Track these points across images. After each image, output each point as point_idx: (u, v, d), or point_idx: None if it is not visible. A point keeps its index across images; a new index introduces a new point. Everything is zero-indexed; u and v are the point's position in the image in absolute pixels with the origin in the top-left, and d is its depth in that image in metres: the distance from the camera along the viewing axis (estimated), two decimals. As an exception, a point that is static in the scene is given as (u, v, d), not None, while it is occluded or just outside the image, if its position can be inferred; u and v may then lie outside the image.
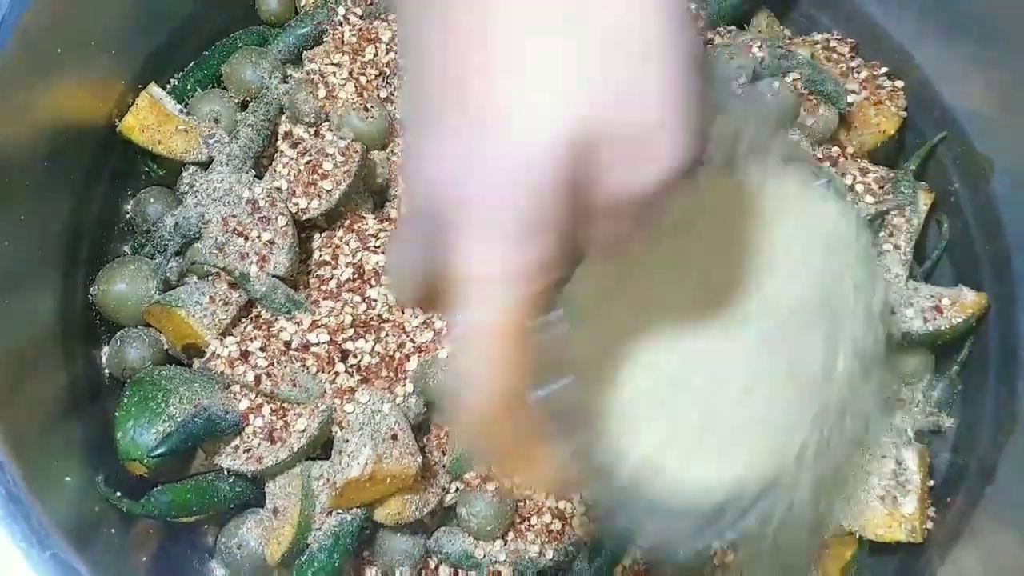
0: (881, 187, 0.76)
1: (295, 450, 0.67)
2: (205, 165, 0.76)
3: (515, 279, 0.33)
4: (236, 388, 0.68)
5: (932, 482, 0.70)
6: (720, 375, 0.38)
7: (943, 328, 0.71)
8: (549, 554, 0.68)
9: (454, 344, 0.37)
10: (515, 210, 0.32)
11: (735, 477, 0.38)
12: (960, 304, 0.72)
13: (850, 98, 0.79)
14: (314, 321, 0.70)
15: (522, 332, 0.34)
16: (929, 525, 0.68)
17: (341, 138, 0.74)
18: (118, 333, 0.74)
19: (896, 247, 0.73)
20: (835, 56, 0.83)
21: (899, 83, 0.81)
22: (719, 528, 0.39)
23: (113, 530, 0.64)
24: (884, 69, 0.82)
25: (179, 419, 0.65)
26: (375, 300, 0.72)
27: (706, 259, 0.39)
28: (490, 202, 0.32)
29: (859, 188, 0.76)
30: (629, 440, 0.39)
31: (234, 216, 0.71)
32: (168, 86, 0.79)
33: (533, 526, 0.69)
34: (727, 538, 0.40)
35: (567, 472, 0.39)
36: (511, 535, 0.69)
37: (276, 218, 0.71)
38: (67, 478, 0.62)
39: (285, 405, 0.68)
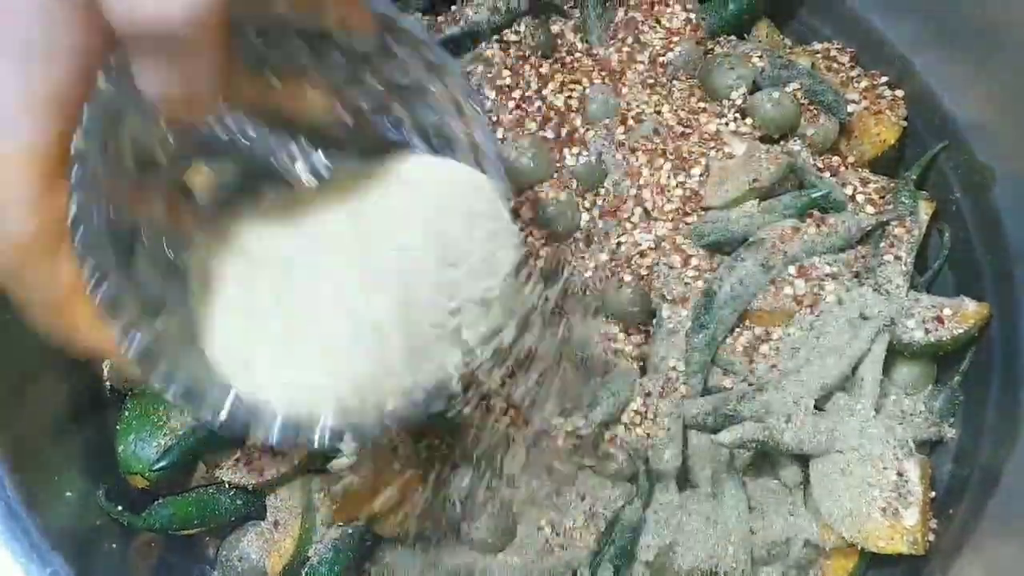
0: (882, 197, 0.76)
1: (296, 463, 0.67)
2: (206, 177, 0.76)
3: (29, 106, 0.34)
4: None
5: (934, 493, 0.70)
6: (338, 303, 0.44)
7: (944, 339, 0.71)
8: (550, 567, 0.68)
9: None
10: (16, 30, 0.33)
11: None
12: (961, 314, 0.72)
13: (850, 108, 0.79)
14: (315, 333, 0.70)
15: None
16: (931, 537, 0.68)
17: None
18: (119, 346, 0.74)
19: (897, 257, 0.73)
20: (835, 65, 0.83)
21: (899, 92, 0.81)
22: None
23: (114, 544, 0.64)
24: (884, 78, 0.82)
25: (180, 432, 0.65)
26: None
27: (348, 217, 0.45)
28: None
29: (859, 198, 0.75)
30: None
31: (235, 228, 0.71)
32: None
33: (534, 540, 0.69)
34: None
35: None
36: (512, 548, 0.69)
37: (276, 230, 0.71)
38: (68, 493, 0.62)
39: (286, 418, 0.68)
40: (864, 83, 0.82)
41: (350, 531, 0.68)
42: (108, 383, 0.74)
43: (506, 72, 0.78)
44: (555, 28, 0.83)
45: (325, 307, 0.44)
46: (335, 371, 0.43)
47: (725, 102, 0.78)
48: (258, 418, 0.43)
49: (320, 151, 0.44)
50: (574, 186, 0.75)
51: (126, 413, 0.68)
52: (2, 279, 0.38)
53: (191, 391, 0.42)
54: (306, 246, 0.45)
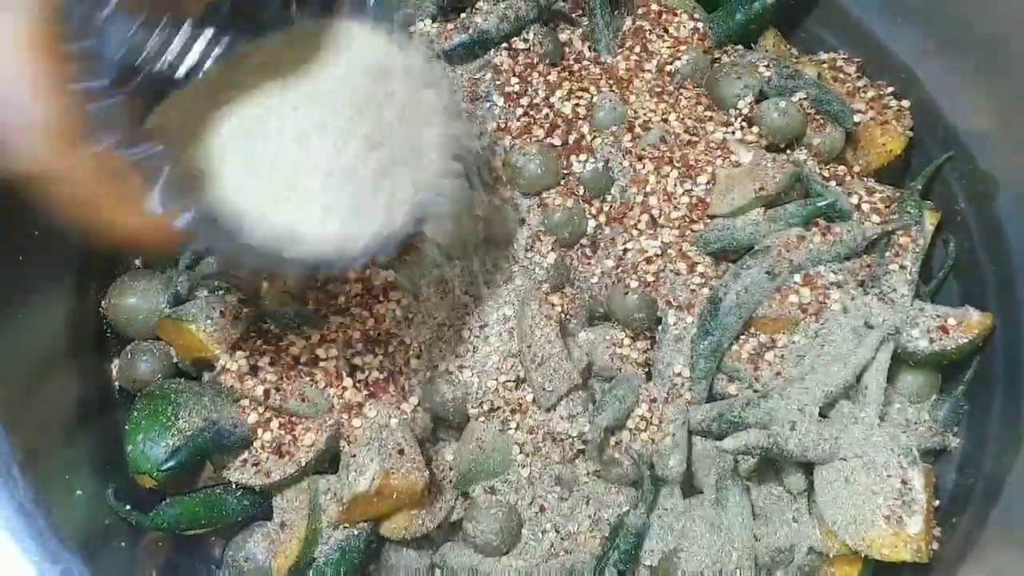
0: (887, 206, 0.77)
1: (303, 464, 0.67)
2: (216, 180, 0.77)
3: None
4: (245, 402, 0.69)
5: (938, 502, 0.70)
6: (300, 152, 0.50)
7: (949, 348, 0.72)
8: (554, 571, 0.69)
9: None
10: None
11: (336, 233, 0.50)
12: (966, 324, 0.72)
13: (856, 117, 0.80)
14: (323, 336, 0.70)
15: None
16: (935, 545, 0.68)
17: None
18: (129, 346, 0.74)
19: (902, 267, 0.73)
20: (841, 75, 0.84)
21: (905, 103, 0.81)
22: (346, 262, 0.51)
23: (123, 543, 0.65)
24: (890, 89, 0.82)
25: (188, 433, 0.66)
26: (383, 315, 0.72)
27: (285, 71, 0.51)
28: None
29: (865, 207, 0.76)
30: (232, 196, 0.48)
31: (245, 231, 0.72)
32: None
33: (538, 543, 0.69)
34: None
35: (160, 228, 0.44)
36: (517, 551, 0.69)
37: (286, 234, 0.71)
38: (78, 492, 0.62)
39: (293, 419, 0.69)
40: (870, 93, 0.82)
41: (356, 533, 0.68)
42: (117, 383, 0.74)
43: (514, 79, 0.79)
44: (563, 36, 0.84)
45: (306, 159, 0.50)
46: (325, 208, 0.50)
47: (732, 111, 0.79)
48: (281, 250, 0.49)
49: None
50: (581, 192, 0.76)
51: (135, 414, 0.68)
52: (31, 171, 0.40)
53: (217, 234, 0.48)
54: (278, 109, 0.51)
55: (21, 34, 0.38)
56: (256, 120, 0.50)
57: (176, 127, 0.50)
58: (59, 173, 0.40)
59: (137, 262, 0.79)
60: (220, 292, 0.72)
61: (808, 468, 0.71)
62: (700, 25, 0.84)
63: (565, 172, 0.76)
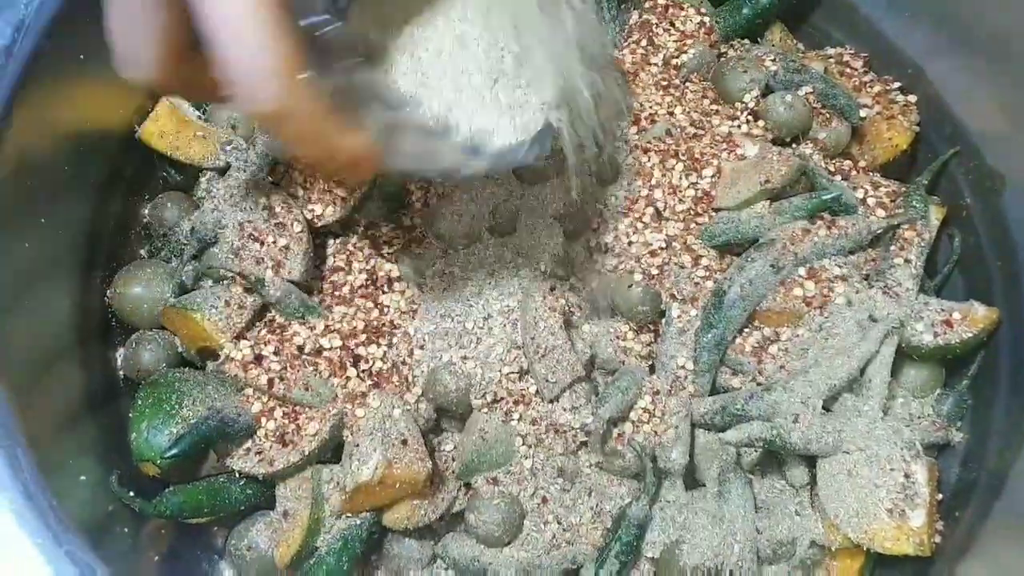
0: (893, 201, 0.77)
1: (306, 453, 0.67)
2: (223, 171, 0.77)
3: None
4: (249, 391, 0.69)
5: (941, 496, 0.70)
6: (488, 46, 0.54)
7: (953, 342, 0.71)
8: (556, 562, 0.69)
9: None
10: None
11: (523, 123, 0.55)
12: (971, 318, 0.72)
13: (863, 112, 0.79)
14: (327, 326, 0.71)
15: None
16: (937, 539, 0.68)
17: (356, 146, 0.75)
18: (133, 335, 0.75)
19: (907, 261, 0.73)
20: (848, 70, 0.83)
21: (912, 97, 0.81)
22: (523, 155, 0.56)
23: (126, 529, 0.65)
24: (897, 84, 0.82)
25: (192, 421, 0.66)
26: (388, 306, 0.72)
27: None
28: None
29: (871, 201, 0.76)
30: (432, 102, 0.52)
31: (250, 221, 0.72)
32: (187, 93, 0.80)
33: (540, 534, 0.69)
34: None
35: (375, 147, 0.48)
36: (519, 542, 0.69)
37: (292, 224, 0.71)
38: (82, 477, 0.62)
39: (297, 409, 0.69)
40: (877, 88, 0.82)
41: (358, 522, 0.68)
42: (122, 373, 0.75)
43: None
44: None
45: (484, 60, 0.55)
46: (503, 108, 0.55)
47: (738, 104, 0.79)
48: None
49: None
50: (587, 185, 0.76)
51: (139, 402, 0.68)
52: (269, 110, 0.43)
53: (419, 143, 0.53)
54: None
55: None
56: (435, 28, 0.54)
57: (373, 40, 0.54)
58: (291, 109, 0.42)
59: (143, 252, 0.79)
60: (225, 282, 0.72)
61: (811, 461, 0.71)
62: (707, 19, 0.84)
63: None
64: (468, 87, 0.54)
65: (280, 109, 0.42)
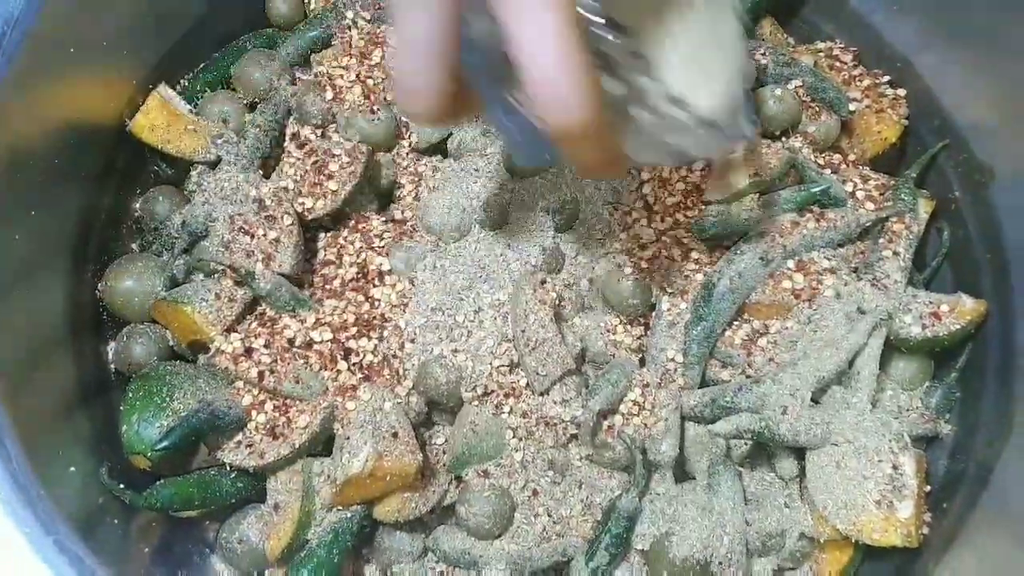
0: (882, 194, 0.77)
1: (296, 446, 0.68)
2: (213, 165, 0.77)
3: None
4: (239, 384, 0.69)
5: (929, 487, 0.71)
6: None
7: (941, 334, 0.72)
8: (546, 554, 0.69)
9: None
10: None
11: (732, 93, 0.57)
12: (959, 311, 0.72)
13: (852, 106, 0.80)
14: (318, 319, 0.71)
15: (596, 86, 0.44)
16: (925, 530, 0.68)
17: (347, 140, 0.75)
18: (124, 329, 0.75)
19: (895, 253, 0.73)
20: (838, 64, 0.84)
21: (901, 91, 0.81)
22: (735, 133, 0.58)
23: (116, 521, 0.65)
24: (886, 77, 0.82)
25: (183, 414, 0.66)
26: (378, 300, 0.72)
27: None
28: None
29: (860, 195, 0.76)
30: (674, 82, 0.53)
31: (241, 215, 0.72)
32: (178, 87, 0.80)
33: (531, 527, 0.69)
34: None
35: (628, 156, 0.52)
36: (509, 534, 0.69)
37: (282, 217, 0.72)
38: (72, 469, 0.63)
39: (287, 402, 0.69)
40: (866, 82, 0.82)
41: (349, 515, 0.68)
42: (113, 366, 0.75)
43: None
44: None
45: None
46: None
47: (727, 98, 0.79)
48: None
49: None
50: (576, 178, 0.76)
51: (130, 395, 0.68)
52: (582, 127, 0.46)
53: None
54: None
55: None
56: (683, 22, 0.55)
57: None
58: (593, 121, 0.46)
59: (134, 246, 0.79)
60: (216, 275, 0.72)
61: (800, 454, 0.71)
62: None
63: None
64: (707, 66, 0.56)
65: (587, 122, 0.45)
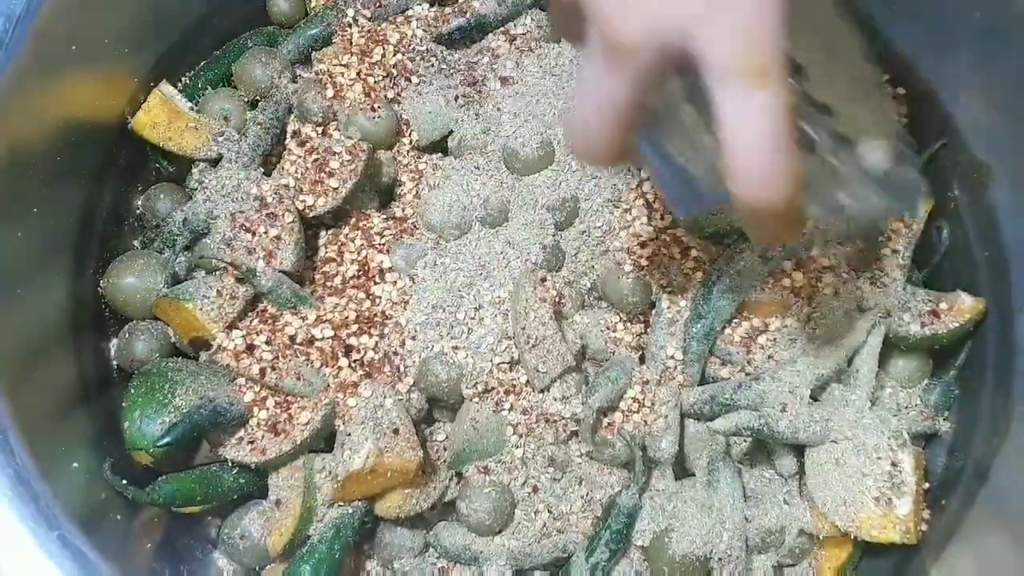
0: (881, 192, 0.77)
1: (298, 443, 0.68)
2: (215, 162, 0.77)
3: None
4: (241, 381, 0.70)
5: (928, 485, 0.71)
6: None
7: (940, 332, 0.72)
8: (547, 550, 0.69)
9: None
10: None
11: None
12: (958, 309, 0.73)
13: (851, 104, 0.80)
14: (319, 316, 0.71)
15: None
16: (924, 527, 0.68)
17: (348, 137, 0.75)
18: (126, 326, 0.75)
19: (895, 251, 0.74)
20: (837, 63, 0.84)
21: (900, 90, 0.81)
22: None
23: (119, 516, 0.65)
24: (885, 77, 0.82)
25: (185, 410, 0.66)
26: (379, 297, 0.73)
27: None
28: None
29: (859, 193, 0.76)
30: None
31: (242, 212, 0.72)
32: (179, 84, 0.80)
33: (531, 523, 0.69)
34: None
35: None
36: (510, 531, 0.70)
37: (283, 214, 0.72)
38: (74, 464, 0.63)
39: (289, 398, 0.69)
40: (865, 80, 0.82)
41: (350, 511, 0.69)
42: (115, 363, 0.75)
43: (510, 64, 0.79)
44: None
45: None
46: None
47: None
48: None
49: None
50: (576, 176, 0.76)
51: (132, 391, 0.69)
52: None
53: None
54: None
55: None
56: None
57: None
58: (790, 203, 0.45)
59: (135, 242, 0.80)
60: (217, 272, 0.72)
61: (799, 451, 0.71)
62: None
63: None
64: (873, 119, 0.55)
65: (787, 202, 0.44)
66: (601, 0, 0.44)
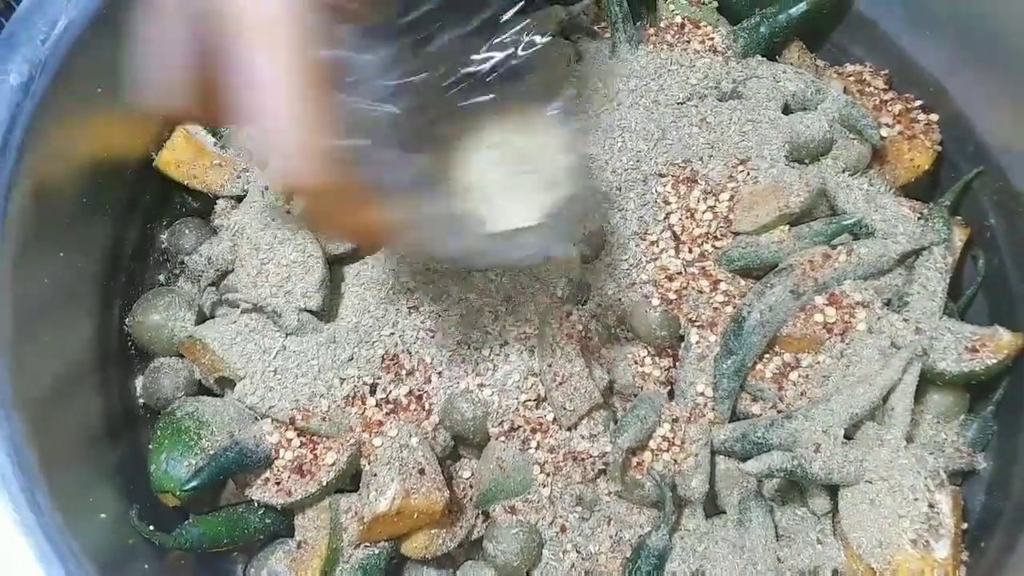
0: (919, 218, 0.75)
1: (324, 484, 0.67)
2: (239, 198, 0.77)
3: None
4: (267, 421, 0.69)
5: (966, 525, 0.69)
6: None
7: (978, 369, 0.70)
8: (575, 592, 0.68)
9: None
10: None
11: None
12: (996, 344, 0.71)
13: (883, 132, 0.78)
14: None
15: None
16: (963, 571, 0.67)
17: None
18: (152, 363, 0.75)
19: (929, 285, 0.72)
20: (868, 89, 0.82)
21: (933, 116, 0.80)
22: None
23: (147, 565, 0.65)
24: (918, 102, 0.81)
25: (211, 452, 0.66)
26: (404, 333, 0.72)
27: None
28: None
29: (892, 224, 0.74)
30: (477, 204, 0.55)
31: (267, 249, 0.72)
32: (203, 120, 0.80)
33: (559, 563, 0.69)
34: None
35: (401, 224, 0.50)
36: (538, 571, 0.69)
37: (308, 252, 0.71)
38: (102, 515, 0.63)
39: (314, 438, 0.69)
40: (898, 107, 0.81)
41: (376, 551, 0.68)
42: (141, 401, 0.75)
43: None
44: (584, 48, 0.84)
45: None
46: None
47: (755, 125, 0.78)
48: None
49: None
50: (603, 208, 0.75)
51: (158, 433, 0.69)
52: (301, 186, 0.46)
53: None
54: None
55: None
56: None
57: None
58: (326, 185, 0.44)
59: (160, 277, 0.80)
60: (242, 311, 0.72)
61: (833, 489, 0.70)
62: (724, 37, 0.83)
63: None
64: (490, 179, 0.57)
65: (317, 185, 0.44)
66: None
